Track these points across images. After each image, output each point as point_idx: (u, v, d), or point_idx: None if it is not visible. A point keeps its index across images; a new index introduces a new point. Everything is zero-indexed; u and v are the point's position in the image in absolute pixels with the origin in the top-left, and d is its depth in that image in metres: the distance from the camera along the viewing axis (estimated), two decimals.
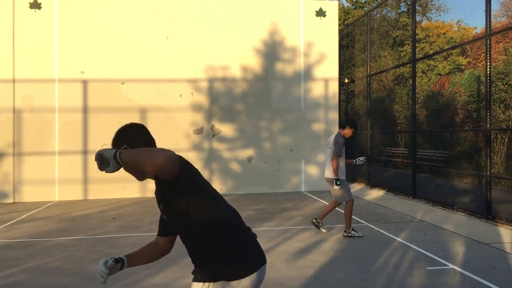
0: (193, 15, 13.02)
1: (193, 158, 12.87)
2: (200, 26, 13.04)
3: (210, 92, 13.12)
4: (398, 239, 7.34)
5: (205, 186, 2.33)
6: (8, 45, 12.20)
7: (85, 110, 12.52)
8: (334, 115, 13.71)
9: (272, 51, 13.39)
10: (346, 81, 19.01)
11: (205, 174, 12.90)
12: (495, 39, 15.62)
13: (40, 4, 12.36)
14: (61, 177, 12.34)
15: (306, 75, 13.53)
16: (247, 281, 2.28)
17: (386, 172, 16.79)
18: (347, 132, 7.64)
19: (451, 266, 5.85)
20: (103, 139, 13.50)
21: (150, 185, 2.55)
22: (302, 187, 13.46)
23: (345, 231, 7.56)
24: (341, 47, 17.53)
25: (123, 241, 7.47)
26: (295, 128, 13.45)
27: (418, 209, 10.21)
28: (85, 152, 12.44)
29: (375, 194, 12.71)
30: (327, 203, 11.04)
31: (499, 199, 9.63)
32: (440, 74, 24.46)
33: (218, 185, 12.99)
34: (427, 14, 29.51)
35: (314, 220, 7.83)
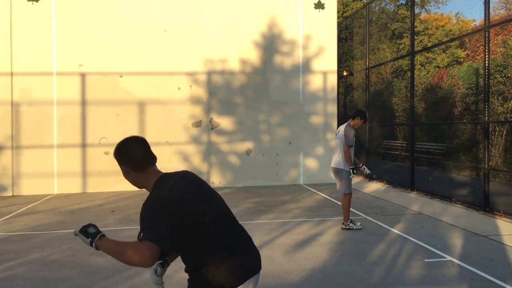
0: (191, 8, 12.97)
1: (192, 151, 12.88)
2: (198, 18, 13.00)
3: (208, 85, 13.10)
4: (396, 231, 7.38)
5: (195, 228, 2.28)
6: (6, 38, 12.15)
7: (83, 103, 12.50)
8: (333, 108, 13.71)
9: (270, 43, 13.36)
10: (345, 73, 19.00)
11: (204, 167, 12.93)
12: (493, 31, 15.60)
13: None
14: (60, 170, 12.34)
15: (305, 68, 13.51)
16: None
17: (384, 165, 16.82)
18: (357, 122, 7.67)
19: (449, 258, 5.88)
20: (101, 132, 13.59)
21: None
22: (301, 180, 13.48)
23: (343, 223, 7.59)
24: (339, 39, 17.52)
25: (122, 234, 7.48)
26: (293, 121, 13.44)
27: (416, 201, 10.24)
28: (83, 145, 12.43)
29: (374, 186, 12.74)
30: (326, 196, 11.08)
31: (497, 191, 9.67)
32: (438, 67, 24.43)
33: (217, 178, 13.01)
34: (426, 7, 29.43)
35: (343, 226, 7.58)
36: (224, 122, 13.16)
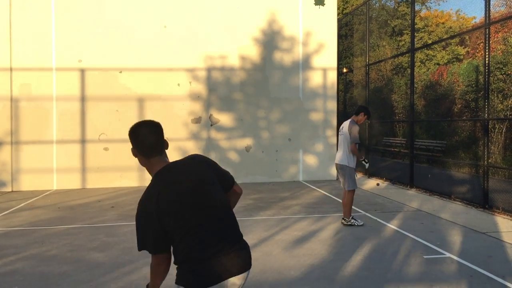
0: (191, 4, 12.94)
1: (191, 148, 12.88)
2: (198, 15, 12.97)
3: (208, 81, 13.09)
4: (395, 228, 7.38)
5: (174, 231, 2.40)
6: (5, 33, 12.12)
7: (83, 99, 12.48)
8: (333, 105, 13.70)
9: (270, 40, 13.34)
10: (345, 70, 18.99)
11: None
12: (494, 28, 15.60)
13: None
14: (59, 166, 12.34)
15: (305, 64, 13.49)
16: None
17: (384, 162, 16.83)
18: (361, 118, 7.67)
19: (448, 254, 5.89)
20: (100, 128, 13.57)
21: (148, 174, 2.59)
22: (300, 176, 13.49)
23: (344, 219, 7.59)
24: (339, 36, 17.49)
25: (122, 229, 7.49)
26: (293, 118, 13.44)
27: (416, 198, 10.25)
28: (83, 141, 12.43)
29: (373, 183, 12.74)
30: (325, 193, 11.09)
31: (496, 188, 9.67)
32: (438, 64, 24.43)
33: None
34: (426, 4, 29.39)
35: (344, 222, 7.59)
36: (224, 119, 13.15)
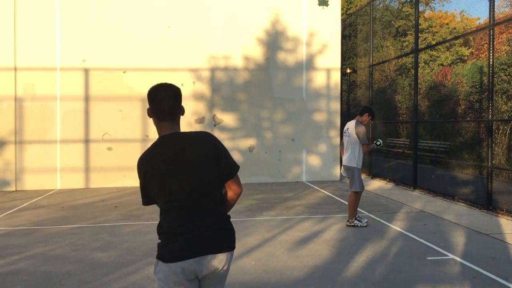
0: (195, 4, 12.95)
1: None
2: (202, 15, 12.98)
3: (212, 81, 13.10)
4: (398, 229, 7.37)
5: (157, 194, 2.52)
6: (10, 33, 12.15)
7: (87, 98, 12.51)
8: (336, 105, 13.68)
9: (274, 40, 13.33)
10: (348, 71, 18.95)
11: None
12: (498, 29, 15.53)
13: None
14: (63, 166, 12.37)
15: (308, 65, 13.48)
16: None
17: (387, 163, 16.79)
18: (365, 119, 7.67)
19: (451, 256, 5.87)
20: (104, 128, 13.61)
21: None
22: (303, 177, 13.47)
23: (348, 220, 7.58)
24: (343, 37, 17.46)
25: (125, 229, 7.50)
26: (296, 118, 13.43)
27: (419, 199, 10.23)
28: (86, 140, 12.46)
29: (376, 184, 12.72)
30: (328, 193, 11.08)
31: (500, 190, 9.64)
32: (442, 65, 24.38)
33: None
34: (430, 4, 29.32)
35: (347, 223, 7.58)
36: (227, 119, 13.15)
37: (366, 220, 7.66)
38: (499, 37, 16.79)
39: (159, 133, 2.57)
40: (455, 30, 26.82)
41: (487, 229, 7.31)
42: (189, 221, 2.45)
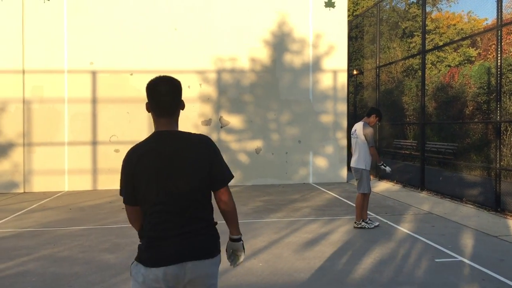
0: (201, 6, 12.99)
1: None
2: (208, 17, 13.01)
3: (218, 83, 13.12)
4: (406, 231, 7.34)
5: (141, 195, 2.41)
6: (18, 36, 12.25)
7: (94, 101, 12.57)
8: (343, 107, 13.66)
9: (280, 42, 13.34)
10: (355, 72, 18.92)
11: None
12: (506, 30, 15.43)
13: None
14: (71, 168, 12.43)
15: (315, 66, 13.47)
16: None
17: (394, 164, 16.71)
18: (373, 120, 7.66)
19: (459, 258, 5.84)
20: (111, 130, 13.67)
21: None
22: (310, 178, 13.45)
23: (355, 222, 7.56)
24: (350, 38, 17.45)
25: (132, 231, 7.50)
26: (303, 120, 13.42)
27: (427, 201, 10.18)
28: (94, 143, 12.52)
29: (383, 186, 12.68)
30: (335, 195, 11.05)
31: (508, 191, 9.56)
32: (449, 66, 24.27)
33: None
34: (437, 5, 29.22)
35: (355, 225, 7.56)
36: (234, 121, 13.17)
37: (377, 223, 7.63)
38: (507, 37, 16.70)
39: (155, 128, 2.48)
40: (462, 31, 26.70)
41: (495, 231, 7.26)
42: (175, 226, 2.35)
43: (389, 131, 17.16)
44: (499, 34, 8.80)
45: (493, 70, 13.31)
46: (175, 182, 2.35)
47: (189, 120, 12.91)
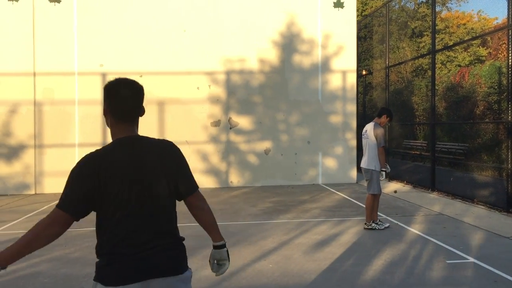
0: (210, 8, 13.02)
1: (211, 151, 12.93)
2: (217, 18, 13.04)
3: (227, 84, 13.14)
4: (417, 232, 7.30)
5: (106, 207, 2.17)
6: (29, 39, 12.36)
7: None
8: (352, 107, 13.62)
9: (289, 43, 13.33)
10: (364, 73, 18.86)
11: (222, 166, 12.97)
12: None
13: None
14: None
15: (324, 67, 13.44)
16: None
17: (404, 165, 16.64)
18: (384, 120, 7.65)
19: (471, 259, 5.80)
20: None
21: None
22: (320, 179, 13.42)
23: (365, 223, 7.53)
24: (359, 38, 17.41)
25: None
26: (312, 121, 13.40)
27: (437, 202, 10.11)
28: (104, 144, 12.55)
29: (394, 186, 12.62)
30: (345, 196, 11.02)
31: None
32: (460, 66, 24.10)
33: (235, 178, 13.03)
34: (447, 4, 29.05)
35: (365, 226, 7.53)
36: (243, 122, 13.17)
37: (388, 224, 7.59)
38: None
39: (114, 135, 2.28)
40: (472, 31, 26.51)
41: (507, 232, 7.19)
42: (141, 240, 2.15)
43: (399, 131, 17.07)
44: (510, 33, 8.72)
45: (504, 70, 13.20)
46: (146, 191, 2.18)
47: (198, 122, 12.94)
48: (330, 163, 13.48)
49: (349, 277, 5.23)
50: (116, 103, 2.27)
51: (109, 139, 2.22)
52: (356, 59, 14.07)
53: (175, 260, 2.25)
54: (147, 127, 12.55)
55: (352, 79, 13.61)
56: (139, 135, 2.32)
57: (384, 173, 7.52)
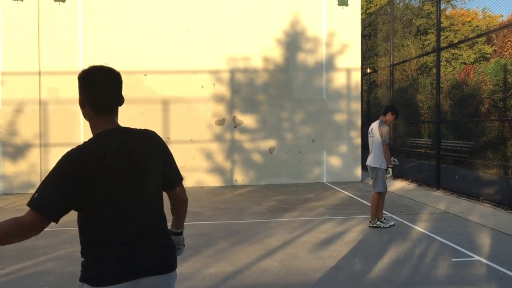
0: (214, 6, 13.02)
1: (215, 149, 12.94)
2: (221, 17, 13.04)
3: (231, 83, 13.14)
4: (422, 230, 7.28)
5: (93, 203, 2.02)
6: (34, 38, 12.40)
7: None
8: (357, 106, 13.59)
9: (293, 41, 13.31)
10: (369, 71, 18.81)
11: (227, 165, 12.98)
12: None
13: None
14: None
15: (328, 65, 13.42)
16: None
17: (409, 163, 16.60)
18: (389, 118, 7.63)
19: (476, 257, 5.78)
20: None
21: None
22: (324, 178, 13.41)
23: (370, 221, 7.52)
24: (363, 36, 17.35)
25: None
26: (317, 119, 13.38)
27: (443, 200, 10.08)
28: None
29: (398, 185, 12.59)
30: (350, 194, 11.01)
31: None
32: (465, 63, 24.01)
33: (240, 176, 13.04)
34: (451, 2, 28.91)
35: (370, 224, 7.52)
36: (247, 120, 13.18)
37: (393, 223, 7.58)
38: None
39: (94, 129, 2.14)
40: (477, 28, 26.39)
41: None
42: (127, 237, 2.03)
43: (404, 129, 17.03)
44: None
45: (509, 67, 13.15)
46: (139, 185, 2.08)
47: (203, 120, 12.95)
48: (335, 161, 13.46)
49: (354, 275, 5.22)
50: (94, 93, 2.11)
51: None
52: (361, 57, 14.03)
53: (167, 258, 2.16)
54: (151, 126, 12.55)
55: (356, 77, 13.58)
56: (122, 127, 2.17)
57: (390, 170, 7.51)
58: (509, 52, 21.07)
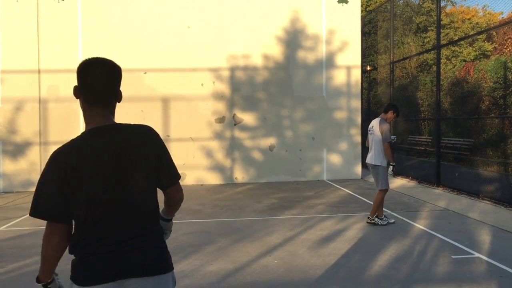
0: (214, 4, 13.00)
1: (215, 147, 12.94)
2: (221, 14, 13.02)
3: (231, 81, 13.13)
4: (422, 227, 7.28)
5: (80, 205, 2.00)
6: (33, 36, 12.39)
7: None
8: (357, 103, 13.59)
9: (293, 39, 13.30)
10: (369, 68, 18.80)
11: (227, 162, 12.98)
12: None
13: None
14: None
15: (328, 62, 13.41)
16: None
17: (409, 161, 16.61)
18: (390, 116, 7.61)
19: (476, 254, 5.78)
20: None
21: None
22: (324, 175, 13.41)
23: (368, 217, 7.53)
24: (363, 34, 17.33)
25: None
26: (317, 117, 13.37)
27: (443, 197, 10.09)
28: None
29: (398, 182, 12.59)
30: (350, 192, 11.01)
31: None
32: (465, 60, 23.99)
33: (240, 174, 13.04)
34: None
35: (368, 220, 7.54)
36: (247, 118, 13.17)
37: (393, 220, 7.57)
38: None
39: (87, 121, 2.05)
40: (477, 25, 26.36)
41: None
42: (112, 237, 1.99)
43: (404, 127, 17.03)
44: None
45: (509, 64, 13.14)
46: (127, 185, 2.01)
47: (203, 118, 12.94)
48: (335, 159, 13.46)
49: (355, 272, 5.23)
50: (86, 84, 2.06)
51: None
52: (361, 54, 14.02)
53: (155, 259, 2.05)
54: (151, 123, 12.50)
55: (356, 74, 13.57)
56: (116, 123, 2.09)
57: (392, 167, 7.51)
58: (509, 50, 21.05)
